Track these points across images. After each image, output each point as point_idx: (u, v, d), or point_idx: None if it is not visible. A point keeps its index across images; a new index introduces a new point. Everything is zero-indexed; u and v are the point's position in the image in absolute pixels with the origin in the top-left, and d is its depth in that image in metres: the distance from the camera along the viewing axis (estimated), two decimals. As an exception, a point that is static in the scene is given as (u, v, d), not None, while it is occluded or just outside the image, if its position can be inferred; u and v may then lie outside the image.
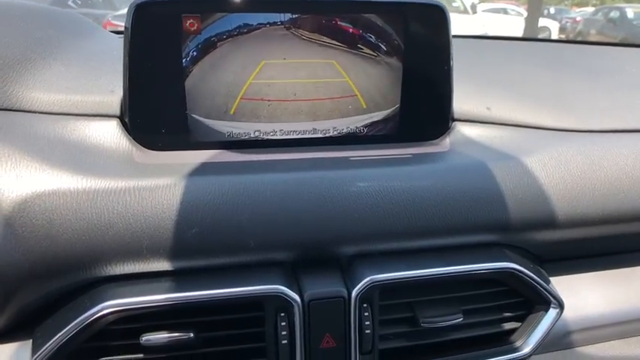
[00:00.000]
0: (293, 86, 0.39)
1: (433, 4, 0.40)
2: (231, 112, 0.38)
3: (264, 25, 0.37)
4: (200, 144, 0.39)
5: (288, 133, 0.40)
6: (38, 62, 0.41)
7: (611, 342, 0.52)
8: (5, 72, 0.38)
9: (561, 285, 0.47)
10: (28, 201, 0.33)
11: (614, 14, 8.19)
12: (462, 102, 0.45)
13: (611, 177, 0.44)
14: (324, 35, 0.38)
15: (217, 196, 0.35)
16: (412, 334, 0.42)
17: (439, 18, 0.40)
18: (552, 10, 11.75)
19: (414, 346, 0.43)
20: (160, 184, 0.35)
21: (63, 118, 0.38)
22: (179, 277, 0.37)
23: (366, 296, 0.39)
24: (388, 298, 0.41)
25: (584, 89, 0.56)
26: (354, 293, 0.38)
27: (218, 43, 0.37)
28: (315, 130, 0.41)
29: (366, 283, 0.39)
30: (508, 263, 0.42)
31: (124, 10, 0.36)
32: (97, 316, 0.34)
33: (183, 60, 0.36)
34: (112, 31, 0.69)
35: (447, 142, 0.44)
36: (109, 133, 0.38)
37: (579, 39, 7.76)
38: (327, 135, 0.41)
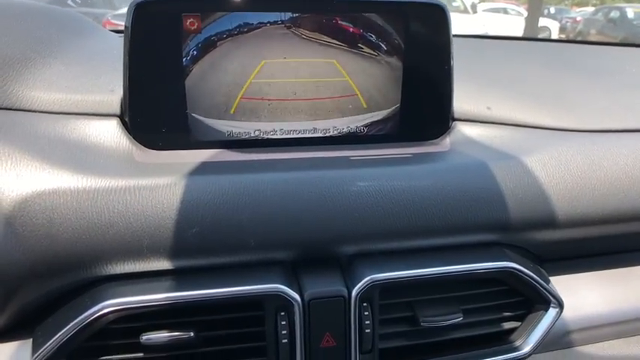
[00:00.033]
0: (293, 85, 0.39)
1: (434, 3, 0.40)
2: (232, 112, 0.38)
3: (265, 24, 0.37)
4: (200, 143, 0.39)
5: (289, 132, 0.40)
6: (38, 61, 0.41)
7: (611, 341, 0.53)
8: (5, 71, 0.38)
9: (561, 284, 0.47)
10: (28, 200, 0.33)
11: (614, 14, 8.20)
12: (462, 101, 0.45)
13: (611, 177, 0.44)
14: (324, 34, 0.38)
15: (217, 195, 0.35)
16: (412, 333, 0.42)
17: (440, 17, 0.40)
18: (552, 10, 11.76)
19: (414, 345, 0.43)
20: (160, 184, 0.35)
21: (63, 117, 0.38)
22: (179, 277, 0.37)
23: (366, 295, 0.39)
24: (388, 298, 0.41)
25: (585, 89, 0.56)
26: (354, 292, 0.39)
27: (218, 42, 0.37)
28: (315, 130, 0.41)
29: (366, 282, 0.39)
30: (508, 263, 0.42)
31: (124, 10, 0.36)
32: (97, 315, 0.34)
33: (184, 59, 0.36)
34: (111, 30, 0.69)
35: (447, 141, 0.44)
36: (109, 133, 0.38)
37: (579, 39, 7.76)
38: (327, 134, 0.41)
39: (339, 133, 0.41)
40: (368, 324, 0.39)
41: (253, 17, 0.37)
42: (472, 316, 0.44)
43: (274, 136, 0.40)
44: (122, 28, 0.38)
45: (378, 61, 0.40)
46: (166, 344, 0.36)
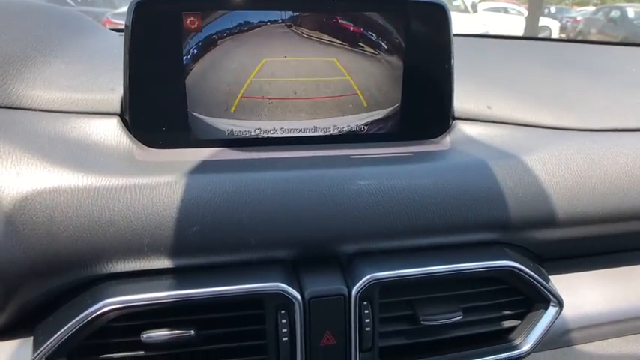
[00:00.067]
0: (293, 84, 0.39)
1: (434, 2, 0.40)
2: (232, 110, 0.38)
3: (265, 22, 0.37)
4: (201, 142, 0.39)
5: (289, 131, 0.40)
6: (38, 60, 0.41)
7: (610, 340, 0.53)
8: (5, 69, 0.38)
9: (561, 283, 0.47)
10: (28, 198, 0.33)
11: (614, 14, 8.19)
12: (462, 100, 0.45)
13: (611, 176, 0.44)
14: (325, 33, 0.38)
15: (218, 194, 0.35)
16: (412, 331, 0.43)
17: (440, 16, 0.40)
18: (553, 10, 11.75)
19: (414, 343, 0.43)
20: (160, 182, 0.35)
21: (63, 115, 0.38)
22: (180, 275, 0.37)
23: (366, 294, 0.39)
24: (388, 296, 0.41)
25: (585, 88, 0.56)
26: (354, 291, 0.39)
27: (219, 41, 0.37)
28: (315, 129, 0.41)
29: (366, 280, 0.39)
30: (508, 261, 0.42)
31: (124, 8, 0.36)
32: (98, 313, 0.34)
33: (184, 58, 0.36)
34: (112, 29, 0.69)
35: (447, 140, 0.44)
36: (110, 131, 0.38)
37: (580, 38, 7.75)
38: (327, 133, 0.41)
39: (340, 132, 0.41)
40: (368, 322, 0.39)
41: (254, 16, 0.37)
42: (472, 314, 0.44)
43: (274, 135, 0.40)
44: (122, 27, 0.38)
45: (379, 60, 0.40)
46: (167, 342, 0.36)
